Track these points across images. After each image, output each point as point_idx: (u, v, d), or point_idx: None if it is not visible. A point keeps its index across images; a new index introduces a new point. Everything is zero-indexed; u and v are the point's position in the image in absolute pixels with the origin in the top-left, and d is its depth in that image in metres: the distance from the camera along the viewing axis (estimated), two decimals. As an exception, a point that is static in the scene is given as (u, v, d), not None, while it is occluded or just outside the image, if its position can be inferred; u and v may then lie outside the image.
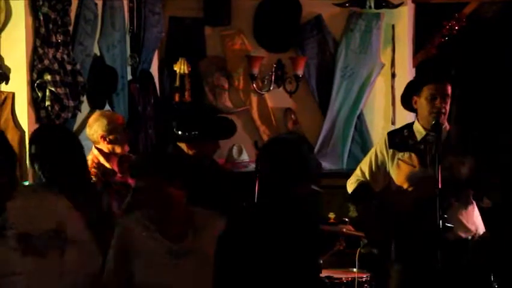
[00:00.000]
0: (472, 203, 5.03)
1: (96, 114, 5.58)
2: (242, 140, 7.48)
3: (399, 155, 5.04)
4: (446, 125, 5.05)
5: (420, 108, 5.00)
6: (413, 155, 5.00)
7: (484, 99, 7.36)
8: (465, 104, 5.18)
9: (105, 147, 5.40)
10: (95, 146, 5.44)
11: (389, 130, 5.50)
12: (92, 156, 5.42)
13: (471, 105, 7.08)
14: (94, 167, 5.35)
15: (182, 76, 5.49)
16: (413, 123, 5.12)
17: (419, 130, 5.03)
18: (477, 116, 7.07)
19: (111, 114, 5.58)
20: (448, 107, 4.96)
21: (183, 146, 5.10)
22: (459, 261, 4.80)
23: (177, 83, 5.46)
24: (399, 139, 5.10)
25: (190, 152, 5.07)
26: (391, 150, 5.09)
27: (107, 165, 5.39)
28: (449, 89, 4.96)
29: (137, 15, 7.08)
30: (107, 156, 5.40)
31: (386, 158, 5.11)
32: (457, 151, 4.94)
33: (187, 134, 5.05)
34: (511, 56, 7.37)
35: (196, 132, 5.05)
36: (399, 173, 5.03)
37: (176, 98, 5.42)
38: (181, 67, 5.51)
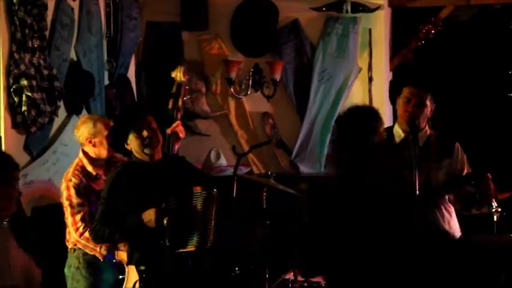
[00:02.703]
0: (450, 207, 5.05)
1: (84, 116, 5.57)
2: (220, 145, 7.49)
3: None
4: (427, 129, 5.06)
5: (398, 108, 5.04)
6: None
7: (460, 103, 7.40)
8: (441, 108, 5.18)
9: (91, 150, 5.37)
10: (82, 149, 5.42)
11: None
12: (78, 159, 5.40)
13: (447, 109, 7.11)
14: (77, 169, 5.33)
15: (179, 84, 5.49)
16: (393, 126, 5.14)
17: (398, 132, 5.05)
18: (453, 119, 7.10)
19: (98, 118, 5.53)
20: (424, 111, 4.97)
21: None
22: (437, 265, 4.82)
23: (174, 90, 5.45)
24: None
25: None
26: None
27: (89, 168, 5.36)
28: (426, 96, 4.97)
29: (114, 20, 7.05)
30: (92, 159, 5.37)
31: None
32: (435, 156, 4.96)
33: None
34: (487, 60, 7.42)
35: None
36: None
37: (170, 104, 5.42)
38: (177, 74, 5.51)
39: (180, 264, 4.64)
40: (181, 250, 4.62)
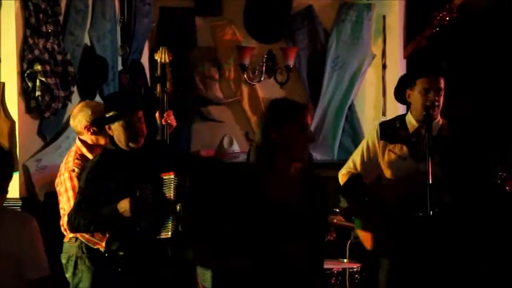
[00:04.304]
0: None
1: (80, 104, 5.41)
2: (233, 131, 7.49)
3: (391, 146, 5.02)
4: (439, 119, 5.02)
5: (414, 101, 4.95)
6: (404, 147, 4.97)
7: (475, 92, 7.37)
8: (455, 97, 5.14)
9: (89, 138, 5.26)
10: (78, 138, 5.33)
11: (380, 121, 5.48)
12: (75, 147, 5.29)
13: (461, 98, 7.08)
14: (77, 158, 5.23)
15: (163, 65, 5.38)
16: (405, 114, 5.09)
17: (411, 122, 4.99)
18: (468, 109, 7.07)
19: (95, 105, 5.41)
20: (441, 101, 4.93)
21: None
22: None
23: (158, 73, 5.35)
24: (391, 130, 5.06)
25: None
26: (382, 142, 5.06)
27: (89, 155, 5.27)
28: (442, 82, 4.94)
29: (128, 5, 7.06)
30: (90, 147, 5.30)
31: (378, 149, 5.08)
32: (448, 146, 4.93)
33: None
34: (501, 47, 7.39)
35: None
36: (389, 164, 5.02)
37: (158, 88, 5.34)
38: (161, 56, 5.39)
39: (159, 251, 4.69)
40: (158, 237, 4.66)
